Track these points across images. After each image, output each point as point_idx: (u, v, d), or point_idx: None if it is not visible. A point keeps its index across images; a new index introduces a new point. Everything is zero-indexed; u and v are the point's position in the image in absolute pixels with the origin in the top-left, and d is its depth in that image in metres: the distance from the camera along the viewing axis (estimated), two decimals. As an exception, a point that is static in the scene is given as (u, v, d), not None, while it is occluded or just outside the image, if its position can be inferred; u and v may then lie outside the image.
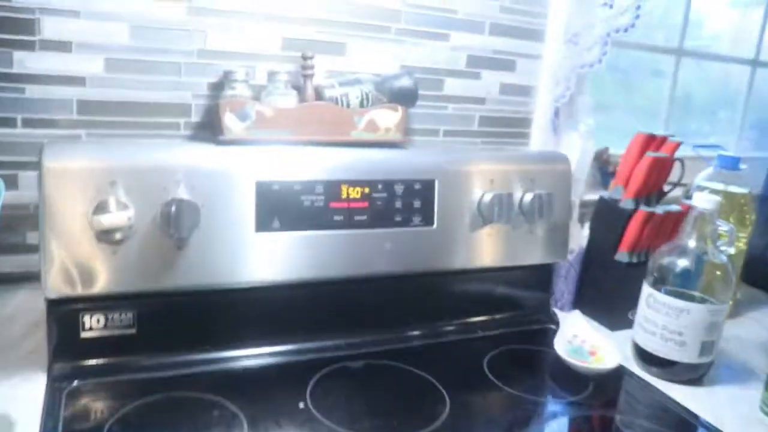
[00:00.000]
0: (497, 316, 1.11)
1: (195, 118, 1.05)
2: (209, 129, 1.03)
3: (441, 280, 1.05)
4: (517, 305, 1.13)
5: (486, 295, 1.10)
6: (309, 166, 0.91)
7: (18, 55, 0.94)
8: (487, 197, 1.01)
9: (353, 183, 0.94)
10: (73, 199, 0.79)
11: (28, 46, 0.94)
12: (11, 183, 0.96)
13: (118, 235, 0.80)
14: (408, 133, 1.03)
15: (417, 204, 0.98)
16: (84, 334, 0.83)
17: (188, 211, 0.81)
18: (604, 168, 1.48)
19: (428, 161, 1.01)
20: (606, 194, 1.18)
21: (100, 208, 0.79)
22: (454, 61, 1.24)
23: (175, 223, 0.81)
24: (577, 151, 1.31)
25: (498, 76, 1.28)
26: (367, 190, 0.95)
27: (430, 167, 1.00)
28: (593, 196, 1.29)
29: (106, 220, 0.78)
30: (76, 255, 0.80)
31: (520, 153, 1.25)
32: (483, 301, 1.10)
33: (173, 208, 0.80)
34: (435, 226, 0.99)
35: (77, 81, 0.98)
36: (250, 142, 0.92)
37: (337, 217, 0.93)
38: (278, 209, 0.89)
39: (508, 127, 1.32)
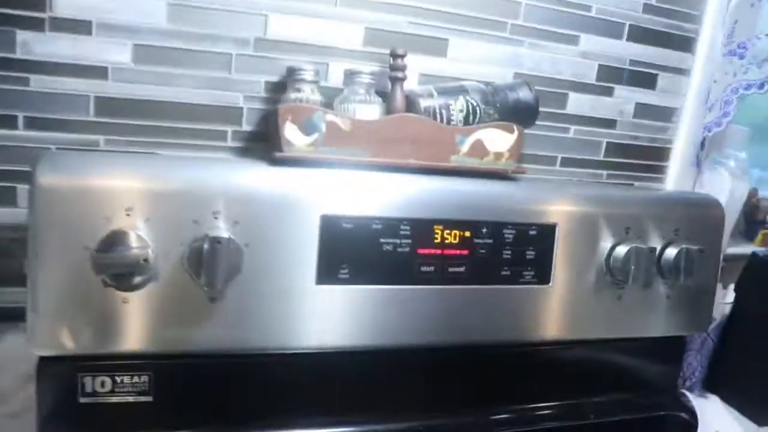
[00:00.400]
0: (614, 397, 0.89)
1: (247, 126, 0.83)
2: (265, 142, 0.82)
3: (550, 351, 0.84)
4: (639, 385, 0.91)
5: (602, 371, 0.89)
6: (393, 198, 0.71)
7: (22, 36, 0.74)
8: (621, 251, 0.79)
9: (450, 224, 0.73)
10: (74, 227, 0.60)
11: (36, 25, 0.74)
12: (8, 198, 0.77)
13: (131, 279, 0.61)
14: (519, 160, 0.78)
15: (531, 254, 0.77)
16: (83, 399, 0.65)
17: (227, 252, 0.62)
18: (751, 215, 1.19)
19: (549, 199, 0.78)
20: (762, 251, 0.93)
21: (110, 242, 0.60)
22: (582, 71, 0.99)
23: (208, 269, 0.62)
24: (725, 192, 1.04)
25: (635, 93, 1.03)
26: (467, 233, 0.73)
27: (552, 207, 0.78)
28: (738, 250, 1.07)
29: (117, 259, 0.59)
30: (76, 301, 0.62)
31: (663, 194, 0.99)
32: (598, 378, 0.88)
33: (206, 248, 0.61)
34: (551, 284, 0.78)
35: (97, 72, 0.77)
36: (317, 163, 0.70)
37: (426, 268, 0.72)
38: (348, 254, 0.69)
39: (642, 159, 1.06)
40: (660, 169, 1.08)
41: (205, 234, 0.62)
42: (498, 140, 0.77)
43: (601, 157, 1.04)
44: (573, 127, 1.00)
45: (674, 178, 1.08)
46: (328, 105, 0.77)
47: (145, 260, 0.61)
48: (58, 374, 0.64)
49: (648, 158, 1.07)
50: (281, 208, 0.66)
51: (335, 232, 0.68)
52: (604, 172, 1.05)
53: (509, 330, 0.78)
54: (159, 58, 0.79)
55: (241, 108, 0.82)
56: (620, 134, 1.04)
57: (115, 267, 0.60)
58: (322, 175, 0.69)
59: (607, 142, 1.04)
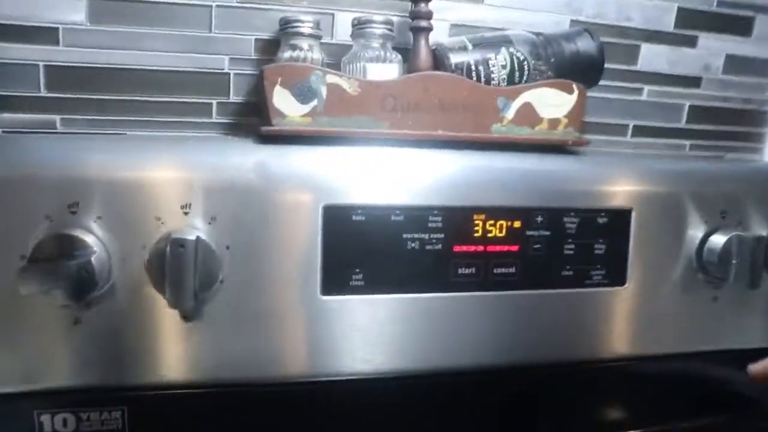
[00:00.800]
0: (708, 422, 0.72)
1: (236, 97, 0.67)
2: (258, 115, 0.67)
3: (627, 368, 0.67)
4: (739, 406, 0.74)
5: (692, 391, 0.72)
6: (418, 181, 0.55)
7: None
8: (717, 240, 0.63)
9: (495, 212, 0.57)
10: (8, 232, 0.48)
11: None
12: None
13: (81, 295, 0.48)
14: (581, 129, 0.61)
15: (600, 249, 0.61)
16: (44, 439, 0.54)
17: (196, 258, 0.48)
18: None
19: (620, 177, 0.61)
20: None
21: (49, 248, 0.47)
22: (656, 16, 0.80)
23: (173, 280, 0.48)
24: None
25: (724, 42, 0.84)
26: (517, 224, 0.57)
27: (624, 188, 0.61)
28: None
29: (59, 270, 0.46)
30: (19, 323, 0.49)
31: (764, 165, 0.80)
32: (687, 399, 0.71)
33: (168, 254, 0.47)
34: (628, 284, 0.62)
35: (46, 35, 0.62)
36: (317, 139, 0.55)
37: (464, 270, 0.57)
38: (362, 255, 0.55)
39: (734, 125, 0.87)
40: (756, 137, 0.89)
41: (169, 232, 0.49)
42: (553, 103, 0.60)
43: (682, 124, 0.85)
44: (647, 87, 0.82)
45: (772, 150, 0.89)
46: (334, 67, 0.61)
47: (90, 271, 0.48)
48: (11, 413, 0.52)
49: (741, 124, 0.88)
50: (272, 199, 0.52)
51: (344, 227, 0.54)
52: (687, 143, 0.86)
53: (574, 345, 0.62)
54: (121, 15, 0.63)
55: (227, 74, 0.67)
56: (706, 95, 0.85)
57: (55, 280, 0.47)
58: (323, 153, 0.54)
59: (690, 106, 0.85)
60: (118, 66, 0.64)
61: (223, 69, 0.66)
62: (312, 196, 0.52)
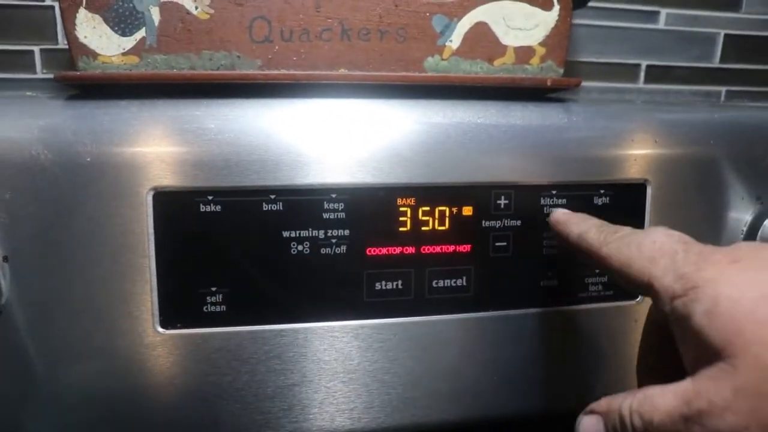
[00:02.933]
0: None
1: (65, 42, 0.47)
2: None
3: None
4: None
5: None
6: (305, 150, 0.36)
7: None
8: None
9: (430, 194, 0.38)
10: None
11: None
12: None
13: None
14: (572, 70, 0.42)
15: None
16: None
17: None
18: None
19: (629, 137, 0.42)
20: None
21: None
22: None
23: None
24: None
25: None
26: (468, 210, 0.39)
27: (636, 152, 0.42)
28: None
29: None
30: None
31: None
32: None
33: None
34: (641, 297, 0.43)
35: None
36: (146, 89, 0.36)
37: (385, 284, 0.38)
38: (220, 266, 0.36)
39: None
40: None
41: None
42: (521, 25, 0.41)
43: (715, 62, 0.66)
44: (664, 11, 0.62)
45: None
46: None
47: None
48: None
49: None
50: (71, 184, 0.34)
51: (188, 223, 0.36)
52: (723, 89, 0.67)
53: (559, 393, 0.43)
54: None
55: (52, 7, 0.48)
56: (748, 20, 0.65)
57: None
58: (155, 112, 0.35)
59: (727, 36, 0.65)
60: None
61: (44, 1, 0.48)
62: (135, 178, 0.34)
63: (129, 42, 0.36)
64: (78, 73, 0.35)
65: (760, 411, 0.25)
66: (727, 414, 0.26)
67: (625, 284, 0.33)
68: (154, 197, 0.34)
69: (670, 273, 0.30)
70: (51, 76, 0.49)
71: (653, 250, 0.31)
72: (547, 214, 0.40)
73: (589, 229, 0.36)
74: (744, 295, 0.27)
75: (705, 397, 0.26)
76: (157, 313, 0.35)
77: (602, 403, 0.32)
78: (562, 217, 0.37)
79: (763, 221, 0.46)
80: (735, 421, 0.25)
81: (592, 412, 0.32)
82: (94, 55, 0.36)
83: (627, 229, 0.34)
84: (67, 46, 0.47)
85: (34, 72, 0.50)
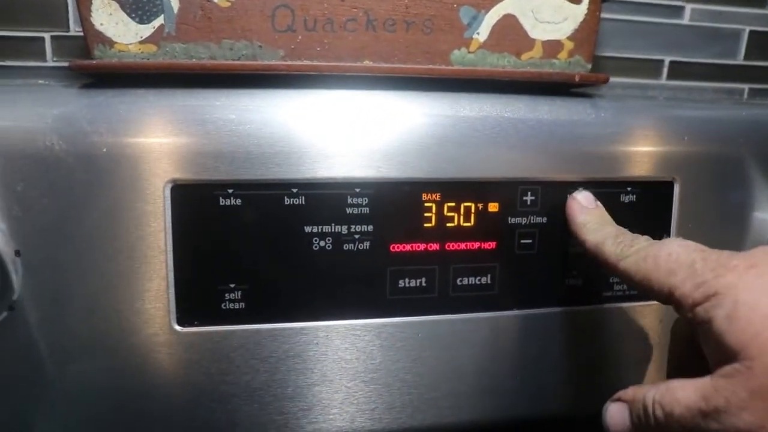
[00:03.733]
0: None
1: (79, 28, 0.47)
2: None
3: None
4: None
5: None
6: (328, 142, 0.35)
7: None
8: None
9: (456, 189, 0.37)
10: None
11: None
12: None
13: None
14: (595, 65, 0.41)
15: None
16: None
17: None
18: None
19: (656, 135, 0.41)
20: None
21: None
22: None
23: None
24: None
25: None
26: (494, 207, 0.38)
27: (663, 149, 0.41)
28: None
29: None
30: None
31: None
32: None
33: None
34: None
35: None
36: (164, 78, 0.35)
37: (409, 282, 0.38)
38: (239, 262, 0.35)
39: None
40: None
41: None
42: (550, 18, 0.41)
43: (740, 59, 0.64)
44: (689, 6, 0.61)
45: None
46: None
47: None
48: None
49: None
50: (86, 176, 0.33)
51: (206, 217, 0.35)
52: (746, 86, 0.66)
53: (586, 394, 0.41)
54: None
55: None
56: None
57: None
58: (174, 102, 0.34)
59: (752, 33, 0.64)
60: None
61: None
62: (152, 170, 0.33)
63: (147, 30, 0.36)
64: (94, 62, 0.34)
65: None
66: (744, 413, 0.27)
67: (644, 294, 0.33)
68: (172, 190, 0.33)
69: (689, 282, 0.30)
70: (62, 64, 0.48)
71: (670, 262, 0.32)
72: (575, 211, 0.40)
73: (605, 240, 0.36)
74: (760, 300, 0.28)
75: (722, 395, 0.27)
76: (173, 310, 0.34)
77: (629, 392, 0.33)
78: (579, 216, 0.37)
79: (794, 222, 0.46)
80: (752, 420, 0.26)
81: (619, 399, 0.33)
82: (111, 43, 0.35)
83: (642, 240, 0.35)
84: (79, 33, 0.46)
85: (44, 60, 0.48)
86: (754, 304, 0.28)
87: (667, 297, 0.32)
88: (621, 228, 0.36)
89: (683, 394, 0.29)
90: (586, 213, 0.37)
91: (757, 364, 0.26)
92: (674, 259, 0.32)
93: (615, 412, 0.32)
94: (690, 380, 0.29)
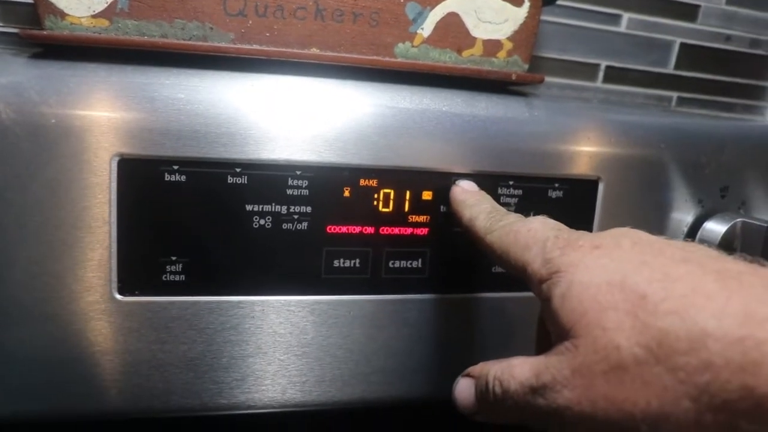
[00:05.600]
0: None
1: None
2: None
3: None
4: None
5: None
6: (272, 125, 0.37)
7: None
8: (715, 229, 0.47)
9: (392, 177, 0.39)
10: None
11: None
12: None
13: None
14: (535, 65, 0.44)
15: None
16: None
17: None
18: None
19: (585, 135, 0.44)
20: None
21: None
22: None
23: None
24: None
25: (730, -39, 0.67)
26: (428, 195, 0.40)
27: (590, 149, 0.44)
28: None
29: None
30: None
31: None
32: None
33: None
34: None
35: None
36: (115, 53, 0.37)
37: (344, 262, 0.40)
38: (181, 236, 0.37)
39: (733, 75, 0.70)
40: (760, 93, 0.72)
41: None
42: (492, 18, 0.43)
43: (670, 69, 0.68)
44: (626, 15, 0.64)
45: (779, 107, 0.72)
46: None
47: None
48: None
49: (738, 73, 0.71)
50: (30, 147, 0.34)
51: (151, 191, 0.36)
52: (674, 94, 0.69)
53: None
54: None
55: None
56: (703, 31, 0.67)
57: None
58: (123, 78, 0.35)
59: (682, 45, 0.67)
60: None
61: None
62: (100, 143, 0.34)
63: (100, 4, 0.36)
64: (45, 33, 0.35)
65: (592, 389, 0.26)
66: (565, 390, 0.27)
67: (508, 271, 0.34)
68: (119, 164, 0.35)
69: (539, 258, 0.31)
70: (10, 30, 0.48)
71: (528, 237, 0.33)
72: (504, 204, 0.42)
73: (478, 214, 0.37)
74: (593, 280, 0.28)
75: (550, 372, 0.28)
76: (115, 279, 0.36)
77: (477, 368, 0.33)
78: (460, 195, 0.39)
79: (703, 223, 0.50)
80: (570, 397, 0.27)
81: (468, 375, 0.34)
82: (62, 14, 0.36)
83: (512, 217, 0.36)
84: (30, 0, 0.46)
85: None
86: (588, 283, 0.28)
87: (522, 272, 0.32)
88: (498, 206, 0.37)
89: (520, 371, 0.30)
90: (467, 193, 0.39)
91: (582, 342, 0.27)
92: (532, 234, 0.33)
93: (462, 388, 0.33)
94: (529, 358, 0.30)
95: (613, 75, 0.65)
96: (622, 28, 0.64)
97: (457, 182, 0.39)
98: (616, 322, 0.26)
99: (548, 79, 0.61)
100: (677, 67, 0.67)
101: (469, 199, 0.38)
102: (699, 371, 0.23)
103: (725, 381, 0.22)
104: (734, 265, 0.26)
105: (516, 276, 0.33)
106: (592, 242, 0.30)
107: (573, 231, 0.32)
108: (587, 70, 0.64)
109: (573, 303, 0.28)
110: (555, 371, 0.28)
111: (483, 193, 0.39)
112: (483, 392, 0.32)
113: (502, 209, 0.36)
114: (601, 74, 0.65)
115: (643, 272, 0.27)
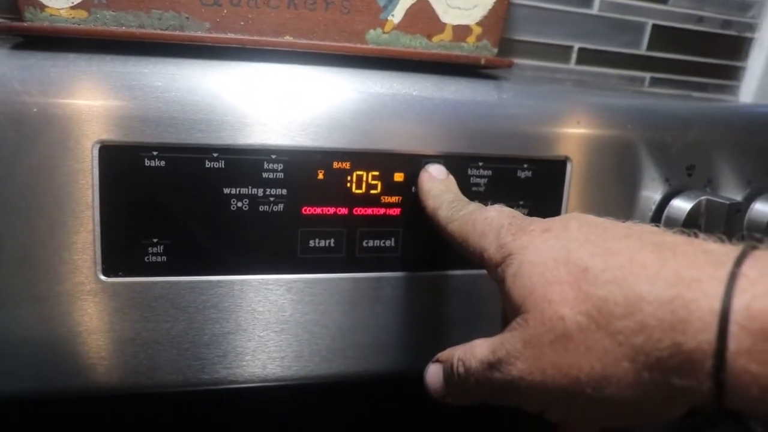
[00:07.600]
0: None
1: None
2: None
3: None
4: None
5: None
6: (247, 111, 0.38)
7: None
8: (681, 206, 0.49)
9: (365, 159, 0.41)
10: None
11: None
12: None
13: None
14: (510, 48, 0.46)
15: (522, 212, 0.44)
16: None
17: None
18: None
19: (554, 115, 0.46)
20: None
21: None
22: None
23: None
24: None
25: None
26: (400, 176, 0.42)
27: (559, 130, 0.46)
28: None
29: None
30: None
31: (747, 111, 0.64)
32: None
33: None
34: None
35: None
36: (94, 44, 0.38)
37: (319, 242, 0.42)
38: (162, 219, 0.39)
39: (705, 55, 0.72)
40: (733, 73, 0.74)
41: None
42: (460, 4, 0.46)
43: (642, 50, 0.69)
44: (598, -1, 0.67)
45: (754, 88, 0.74)
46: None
47: None
48: None
49: (714, 54, 0.72)
50: (14, 135, 0.35)
51: (132, 176, 0.38)
52: (647, 75, 0.70)
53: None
54: None
55: None
56: (675, 13, 0.68)
57: None
58: (102, 67, 0.37)
59: (654, 26, 0.68)
60: None
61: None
62: (81, 130, 0.36)
63: (77, -5, 0.39)
64: (25, 24, 0.37)
65: (541, 359, 0.28)
66: (518, 362, 0.29)
67: (468, 257, 0.36)
68: (100, 150, 0.37)
69: (494, 244, 0.33)
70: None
71: (485, 225, 0.35)
72: (474, 185, 0.44)
73: (441, 204, 0.39)
74: (540, 259, 0.30)
75: (505, 347, 0.30)
76: (99, 261, 0.38)
77: (445, 353, 0.35)
78: (425, 184, 0.41)
79: (670, 201, 0.52)
80: (523, 367, 0.29)
81: (437, 360, 0.36)
82: (42, 6, 0.38)
83: (472, 206, 0.38)
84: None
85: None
86: (536, 262, 0.30)
87: (479, 258, 0.35)
88: (461, 196, 0.40)
89: (480, 350, 0.31)
90: (433, 182, 0.41)
91: (531, 316, 0.29)
92: (488, 222, 0.35)
93: (432, 373, 0.35)
94: (489, 338, 0.32)
95: (587, 57, 0.67)
96: (595, 10, 0.65)
97: (426, 167, 0.42)
98: (560, 294, 0.28)
99: (522, 61, 0.63)
100: (650, 48, 0.69)
101: (434, 189, 0.40)
102: (635, 333, 0.25)
103: (657, 340, 0.25)
104: (671, 238, 0.28)
105: (475, 262, 0.35)
106: (542, 226, 0.32)
107: (526, 218, 0.35)
108: (561, 52, 0.66)
109: (523, 280, 0.30)
110: (509, 346, 0.30)
111: (448, 181, 0.41)
112: (449, 374, 0.34)
113: (464, 199, 0.39)
114: (574, 56, 0.66)
115: (586, 248, 0.29)
